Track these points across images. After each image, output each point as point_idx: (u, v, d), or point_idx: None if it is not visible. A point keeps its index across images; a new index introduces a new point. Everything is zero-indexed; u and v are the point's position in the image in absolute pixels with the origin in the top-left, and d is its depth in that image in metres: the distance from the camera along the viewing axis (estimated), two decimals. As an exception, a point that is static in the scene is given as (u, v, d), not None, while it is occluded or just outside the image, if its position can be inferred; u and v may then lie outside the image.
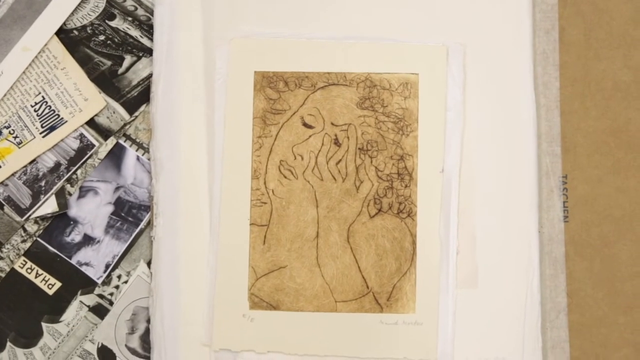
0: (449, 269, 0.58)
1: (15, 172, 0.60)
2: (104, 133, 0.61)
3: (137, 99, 0.61)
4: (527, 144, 0.59)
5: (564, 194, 0.59)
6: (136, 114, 0.61)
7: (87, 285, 0.60)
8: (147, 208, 0.60)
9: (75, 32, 0.61)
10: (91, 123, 0.61)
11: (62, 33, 0.61)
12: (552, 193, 0.59)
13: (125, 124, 0.61)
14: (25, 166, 0.60)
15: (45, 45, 0.60)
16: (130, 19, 0.62)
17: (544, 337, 0.58)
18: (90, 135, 0.61)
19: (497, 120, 0.59)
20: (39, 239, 0.60)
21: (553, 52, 0.60)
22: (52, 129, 0.60)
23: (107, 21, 0.62)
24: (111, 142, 0.61)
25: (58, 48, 0.61)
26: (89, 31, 0.61)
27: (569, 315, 0.58)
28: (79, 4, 0.61)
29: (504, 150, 0.59)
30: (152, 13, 0.61)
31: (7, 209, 0.59)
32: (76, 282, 0.60)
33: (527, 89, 0.59)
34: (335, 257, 0.58)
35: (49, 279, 0.59)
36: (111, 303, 0.59)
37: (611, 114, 0.60)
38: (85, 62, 0.61)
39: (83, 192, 0.60)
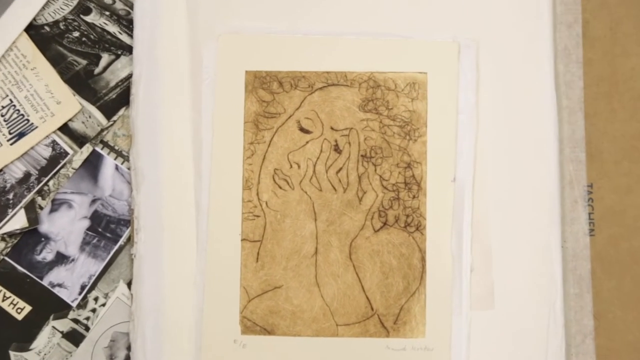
0: (462, 289, 0.57)
1: (-20, 184, 0.59)
2: (79, 140, 0.60)
3: (116, 101, 0.61)
4: (548, 150, 0.58)
5: (589, 205, 0.59)
6: (114, 118, 0.61)
7: (61, 308, 0.59)
8: (127, 223, 0.60)
9: (47, 28, 0.61)
10: (64, 129, 0.60)
11: (32, 29, 0.61)
12: (576, 204, 0.59)
13: (102, 130, 0.60)
14: (-9, 177, 0.59)
15: (13, 43, 0.60)
16: (107, 13, 0.62)
17: (569, 363, 0.57)
18: (64, 142, 0.60)
19: (514, 123, 0.59)
20: (6, 258, 0.59)
21: (576, 48, 0.60)
22: (21, 135, 0.59)
23: (82, 16, 0.61)
24: (87, 149, 0.60)
25: (27, 46, 0.60)
26: (62, 27, 0.61)
27: (595, 340, 0.58)
28: (51, -3, 0.60)
29: (522, 157, 0.58)
30: (132, 7, 0.61)
31: (-30, 224, 0.59)
32: (48, 306, 0.59)
33: (548, 89, 0.59)
34: (336, 276, 0.58)
35: (17, 302, 0.59)
36: (87, 328, 0.59)
37: None
38: (57, 62, 0.61)
39: (56, 206, 0.59)
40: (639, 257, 0.58)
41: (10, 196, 0.59)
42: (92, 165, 0.60)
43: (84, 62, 0.60)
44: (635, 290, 0.58)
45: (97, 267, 0.59)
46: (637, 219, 0.58)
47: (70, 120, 0.60)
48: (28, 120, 0.59)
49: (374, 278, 0.58)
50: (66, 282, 0.59)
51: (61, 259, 0.59)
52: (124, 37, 0.61)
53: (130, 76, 0.60)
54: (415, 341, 0.57)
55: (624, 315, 0.58)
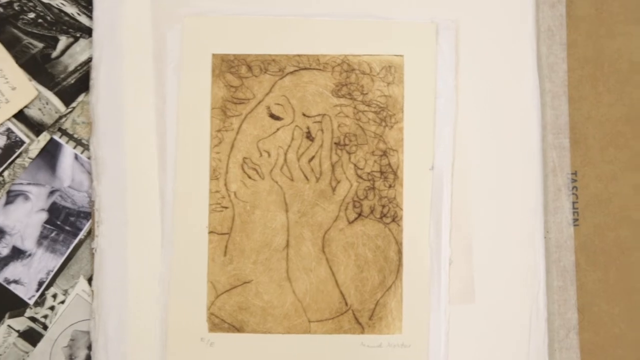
0: (440, 282, 0.57)
1: None
2: (36, 128, 0.60)
3: (75, 87, 0.60)
4: (530, 136, 0.58)
5: (573, 194, 0.59)
6: (73, 105, 0.60)
7: (17, 306, 0.58)
8: (88, 215, 0.59)
9: (0, 9, 0.60)
10: (20, 116, 0.60)
11: (-16, 10, 0.60)
12: (559, 192, 0.59)
13: (60, 117, 0.60)
14: (-59, 167, 0.58)
15: (-36, 24, 0.59)
16: (65, -7, 0.60)
17: (552, 359, 0.58)
18: (19, 131, 0.59)
19: (495, 108, 0.58)
20: (-42, 253, 0.58)
21: (559, 28, 0.60)
22: (-27, 123, 0.58)
23: (37, -4, 0.61)
24: (44, 138, 0.59)
25: (-21, 28, 0.59)
26: (17, 8, 0.60)
27: (580, 334, 0.58)
28: (5, -24, 0.59)
29: (504, 144, 0.58)
30: (91, -14, 0.60)
31: None
32: (3, 304, 0.58)
33: (530, 72, 0.59)
34: (308, 270, 0.57)
35: (-30, 300, 0.58)
36: (45, 327, 0.58)
37: (627, 99, 0.60)
38: (12, 45, 0.60)
39: (11, 197, 0.59)
40: (625, 247, 0.58)
41: (-38, 188, 0.57)
42: (50, 154, 0.59)
43: (40, 45, 0.60)
44: (621, 282, 0.58)
45: (55, 262, 0.58)
46: (623, 208, 0.59)
47: (26, 107, 0.59)
48: (-20, 106, 0.57)
49: (348, 272, 0.57)
50: (23, 278, 0.58)
51: (17, 253, 0.58)
52: (83, 19, 0.60)
53: (89, 60, 0.59)
54: (392, 337, 0.56)
55: (610, 308, 0.58)
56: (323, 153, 0.58)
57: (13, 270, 0.58)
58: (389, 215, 0.57)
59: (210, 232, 0.57)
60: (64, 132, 0.59)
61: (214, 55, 0.58)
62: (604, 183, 0.59)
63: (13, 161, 0.58)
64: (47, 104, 0.59)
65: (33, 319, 0.58)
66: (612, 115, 0.59)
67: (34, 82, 0.59)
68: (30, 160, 0.59)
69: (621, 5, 0.59)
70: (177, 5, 0.58)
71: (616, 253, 0.58)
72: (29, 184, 0.58)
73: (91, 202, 0.58)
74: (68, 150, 0.59)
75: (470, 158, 0.58)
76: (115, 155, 0.58)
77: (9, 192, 0.58)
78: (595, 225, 0.58)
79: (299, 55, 0.58)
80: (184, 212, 0.57)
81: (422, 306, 0.56)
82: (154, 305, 0.57)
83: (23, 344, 0.57)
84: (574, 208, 0.58)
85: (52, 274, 0.58)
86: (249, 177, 0.58)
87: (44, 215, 0.58)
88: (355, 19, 0.58)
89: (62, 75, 0.60)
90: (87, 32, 0.60)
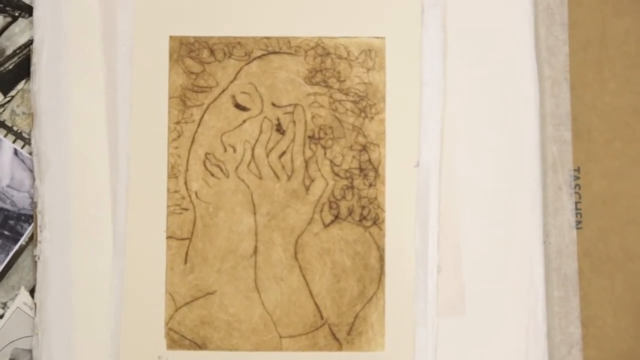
0: (427, 293, 0.57)
1: None
2: None
3: (14, 73, 0.60)
4: (527, 128, 0.58)
5: (576, 193, 0.59)
6: (12, 93, 0.60)
7: None
8: (30, 218, 0.59)
9: None
10: None
11: None
12: (560, 191, 0.59)
13: None
14: None
15: None
16: (1, -34, 0.61)
17: (552, 378, 0.58)
18: None
19: (487, 97, 0.58)
20: None
21: (560, 6, 0.60)
22: None
23: (-31, -31, 0.60)
24: None
25: None
26: None
27: (584, 351, 0.58)
28: None
29: (497, 137, 0.58)
30: (30, -41, 0.60)
31: None
32: None
33: (527, 56, 0.58)
34: (279, 280, 0.57)
35: None
36: None
37: (636, 87, 0.60)
38: None
39: None
40: (634, 253, 0.58)
41: None
42: None
43: (-27, 26, 0.57)
44: (629, 292, 0.58)
45: None
46: (631, 209, 0.59)
47: (-42, 96, 0.56)
48: None
49: (323, 281, 0.57)
50: (-45, 290, 0.56)
51: (-52, 262, 0.56)
52: None
53: (30, 42, 0.59)
54: (373, 355, 0.57)
55: (616, 321, 0.58)
56: (295, 148, 0.58)
57: (-56, 281, 0.56)
58: (370, 217, 0.57)
59: (168, 237, 0.57)
60: (1, 124, 0.59)
61: (171, 37, 0.58)
62: (609, 181, 0.59)
63: (-57, 157, 0.57)
64: (-18, 92, 0.56)
65: (-33, 336, 0.56)
66: (619, 105, 0.59)
67: (-34, 68, 0.57)
68: (-37, 156, 0.57)
69: (629, -21, 0.58)
70: (129, -19, 0.57)
71: (623, 259, 0.58)
72: (-39, 183, 0.57)
73: (33, 204, 0.58)
74: (6, 145, 0.59)
75: (460, 153, 0.58)
76: (60, 151, 0.57)
77: (-62, 192, 0.57)
78: (600, 229, 0.59)
79: (267, 38, 0.58)
80: (139, 215, 0.57)
81: (407, 319, 0.57)
82: (105, 319, 0.56)
83: (-45, 365, 0.56)
84: (576, 209, 0.59)
85: (-12, 285, 0.55)
86: (212, 175, 0.57)
87: (-22, 219, 0.56)
88: (331, -3, 0.56)
89: (-1, 60, 0.56)
90: (27, 10, 0.60)
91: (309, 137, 0.58)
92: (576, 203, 0.59)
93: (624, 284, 0.58)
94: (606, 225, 0.59)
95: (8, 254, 0.58)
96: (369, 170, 0.57)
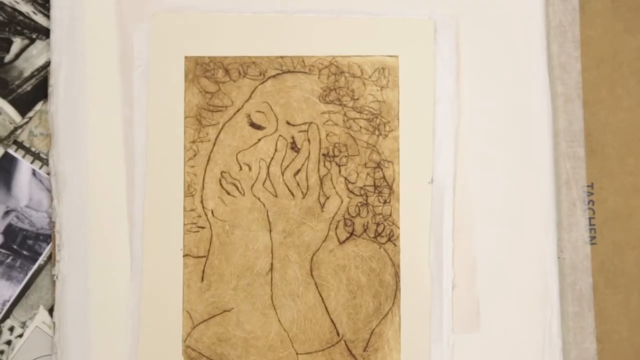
0: (442, 309, 0.57)
1: None
2: None
3: (31, 94, 0.60)
4: (540, 145, 0.58)
5: (589, 209, 0.59)
6: (30, 114, 0.60)
7: None
8: (48, 238, 0.59)
9: None
10: None
11: None
12: (574, 207, 0.59)
13: (16, 128, 0.60)
14: None
15: None
16: (19, -10, 0.62)
17: (568, 394, 0.58)
18: None
19: (500, 114, 0.59)
20: None
21: (572, 24, 0.60)
22: None
23: (-12, -7, 0.61)
24: None
25: None
26: None
27: None
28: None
29: (511, 154, 0.58)
30: (47, -18, 0.61)
31: None
32: None
33: (540, 73, 0.59)
34: (295, 296, 0.57)
35: None
36: None
37: None
38: None
39: None
40: None
41: None
42: (4, 170, 0.59)
43: (-8, 48, 0.58)
44: None
45: (12, 291, 0.58)
46: None
47: (-24, 117, 0.57)
48: None
49: (339, 298, 0.57)
50: (-25, 309, 0.56)
51: (-32, 282, 0.56)
52: (39, 18, 0.60)
53: (47, 64, 0.60)
54: None
55: (632, 336, 0.58)
56: (310, 166, 0.58)
57: (-36, 300, 0.57)
58: (384, 234, 0.57)
59: (185, 255, 0.57)
60: (19, 145, 0.59)
61: (186, 57, 0.58)
62: (623, 196, 0.59)
63: (-38, 178, 0.58)
64: (0, 113, 0.60)
65: (-13, 356, 0.56)
66: (632, 121, 0.59)
67: (-16, 90, 0.57)
68: (-18, 177, 0.58)
69: (641, -3, 0.58)
70: (144, 2, 0.58)
71: (638, 274, 0.58)
72: (-20, 203, 0.58)
73: (51, 223, 0.58)
74: (25, 166, 0.59)
75: (474, 170, 0.58)
76: (78, 171, 0.58)
77: (-42, 213, 0.57)
78: (614, 244, 0.59)
79: (281, 57, 0.58)
80: (156, 234, 0.57)
81: (422, 336, 0.57)
82: (123, 338, 0.57)
83: (-24, 384, 0.56)
84: (590, 225, 0.59)
85: (8, 304, 0.58)
86: (228, 194, 0.58)
87: (-2, 239, 0.56)
88: (345, 16, 0.58)
89: (17, 82, 0.60)
90: (45, 33, 0.60)
91: (324, 154, 0.58)
92: (590, 219, 0.59)
93: (639, 299, 0.58)
94: (621, 241, 0.59)
95: (27, 274, 0.59)
96: (384, 187, 0.58)
